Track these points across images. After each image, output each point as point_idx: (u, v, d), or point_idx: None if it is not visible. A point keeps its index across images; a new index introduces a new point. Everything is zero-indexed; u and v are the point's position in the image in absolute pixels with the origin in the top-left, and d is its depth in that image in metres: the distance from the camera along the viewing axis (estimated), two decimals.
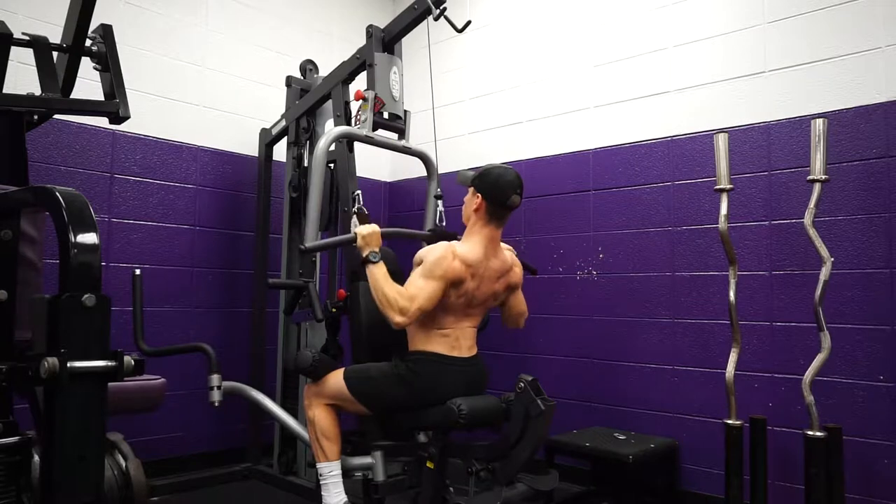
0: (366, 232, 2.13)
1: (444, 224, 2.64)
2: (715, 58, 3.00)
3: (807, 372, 2.40)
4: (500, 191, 2.13)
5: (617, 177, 3.29)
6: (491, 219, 2.17)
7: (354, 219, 2.53)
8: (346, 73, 2.84)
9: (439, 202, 2.68)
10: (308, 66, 3.52)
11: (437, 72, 3.12)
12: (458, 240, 2.29)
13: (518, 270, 2.34)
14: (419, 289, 2.05)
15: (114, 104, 1.98)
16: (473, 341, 2.24)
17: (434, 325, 2.15)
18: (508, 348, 3.63)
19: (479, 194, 2.17)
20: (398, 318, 2.02)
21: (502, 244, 2.30)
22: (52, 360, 0.97)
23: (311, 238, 2.57)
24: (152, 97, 3.28)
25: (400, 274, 2.27)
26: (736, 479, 2.50)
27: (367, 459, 2.27)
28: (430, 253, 2.11)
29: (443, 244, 2.13)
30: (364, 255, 2.10)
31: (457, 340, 2.17)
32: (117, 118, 1.99)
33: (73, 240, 1.02)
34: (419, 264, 2.13)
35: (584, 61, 3.46)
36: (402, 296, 2.03)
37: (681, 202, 3.07)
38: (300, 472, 3.05)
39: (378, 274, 2.06)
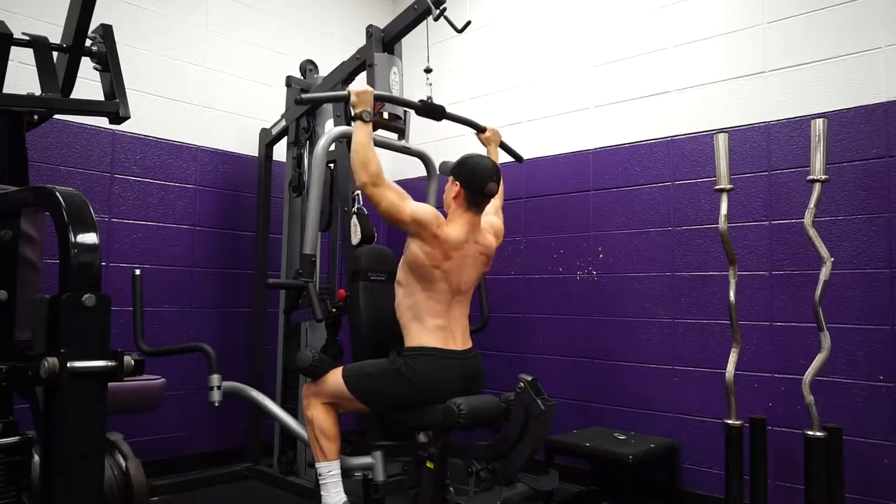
0: (359, 89, 2.22)
1: (432, 98, 2.62)
2: (715, 58, 3.00)
3: (807, 372, 2.40)
4: (477, 179, 2.20)
5: (617, 177, 3.29)
6: (469, 205, 2.23)
7: (354, 219, 2.53)
8: (346, 73, 2.84)
9: (429, 75, 2.66)
10: (308, 66, 3.52)
11: (437, 72, 3.11)
12: (446, 114, 2.50)
13: (495, 241, 2.40)
14: (394, 191, 2.14)
15: (114, 104, 1.98)
16: (467, 333, 2.26)
17: (427, 316, 2.16)
18: (508, 348, 3.63)
19: (457, 182, 2.23)
20: (364, 178, 2.12)
21: (489, 128, 2.65)
22: (52, 360, 0.97)
23: (311, 240, 2.57)
24: (152, 97, 3.28)
25: (394, 274, 2.28)
26: (736, 479, 2.50)
27: (367, 459, 2.27)
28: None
29: (438, 213, 2.19)
30: (357, 111, 2.18)
31: (451, 333, 2.18)
32: (117, 118, 1.99)
33: (73, 240, 1.02)
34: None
35: (584, 61, 3.46)
36: (379, 174, 2.13)
37: (681, 202, 3.07)
38: (300, 472, 3.05)
39: (366, 133, 2.16)
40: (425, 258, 2.13)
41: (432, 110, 2.50)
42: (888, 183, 2.54)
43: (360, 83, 2.26)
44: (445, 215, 2.27)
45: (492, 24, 3.89)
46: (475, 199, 2.22)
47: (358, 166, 2.13)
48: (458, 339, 2.20)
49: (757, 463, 2.49)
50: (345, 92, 2.25)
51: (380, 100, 2.34)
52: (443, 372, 2.11)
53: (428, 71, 2.64)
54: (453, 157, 2.70)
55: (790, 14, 2.79)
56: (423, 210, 2.15)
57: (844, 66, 2.66)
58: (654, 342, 3.11)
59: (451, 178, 2.27)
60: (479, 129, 2.74)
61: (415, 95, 3.54)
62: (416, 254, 2.14)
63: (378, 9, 4.36)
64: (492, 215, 2.46)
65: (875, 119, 2.58)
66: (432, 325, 2.16)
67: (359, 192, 2.58)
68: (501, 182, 2.34)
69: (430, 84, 2.65)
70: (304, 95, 2.30)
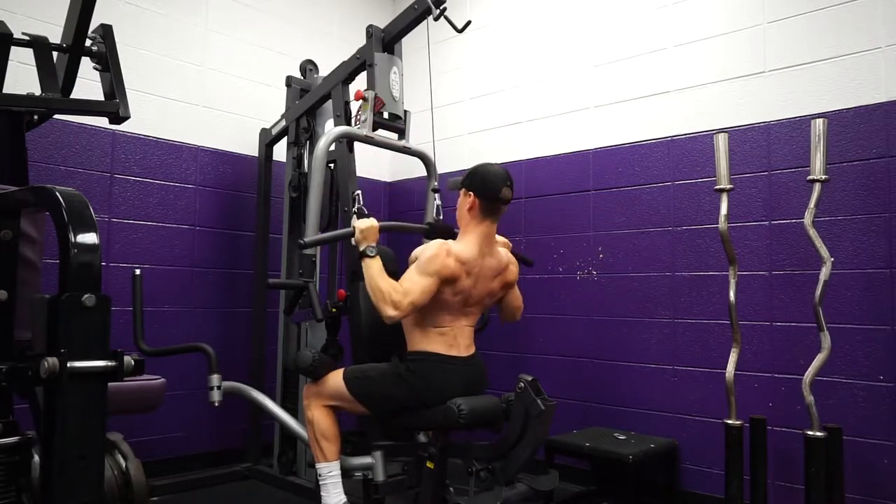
0: (364, 226, 2.16)
1: (441, 217, 2.62)
2: (715, 58, 3.00)
3: (807, 372, 2.40)
4: (492, 185, 2.16)
5: (617, 177, 3.29)
6: (486, 215, 2.19)
7: (354, 218, 2.53)
8: (346, 73, 2.84)
9: (436, 195, 2.68)
10: (308, 66, 3.53)
11: (437, 72, 3.10)
12: (455, 233, 2.31)
13: (514, 268, 2.35)
14: (413, 283, 2.06)
15: (114, 104, 1.98)
16: (471, 340, 2.25)
17: (432, 323, 2.16)
18: (508, 348, 3.63)
19: (470, 193, 2.19)
20: (391, 312, 2.03)
21: (498, 237, 2.32)
22: (52, 360, 0.97)
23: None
24: (152, 97, 3.28)
25: (398, 274, 2.27)
26: (736, 479, 2.49)
27: (367, 459, 2.27)
28: (425, 251, 2.12)
29: (437, 242, 2.14)
30: (361, 248, 2.13)
31: (455, 339, 2.17)
32: (117, 118, 1.99)
33: (73, 240, 1.02)
34: (414, 262, 2.15)
35: (584, 61, 3.46)
36: (396, 290, 2.04)
37: (681, 202, 3.07)
38: (300, 472, 3.05)
39: (374, 268, 2.08)
40: (451, 293, 2.12)
41: (441, 231, 2.42)
42: (888, 183, 2.54)
43: (364, 220, 2.19)
44: (457, 229, 2.26)
45: (492, 24, 3.89)
46: (491, 207, 2.18)
47: (379, 303, 2.04)
48: (461, 345, 2.19)
49: (757, 463, 2.49)
50: (349, 229, 2.21)
51: (385, 230, 2.27)
52: (445, 377, 2.11)
53: (435, 191, 2.64)
54: (452, 157, 2.71)
55: (790, 14, 2.79)
56: (434, 262, 2.07)
57: (844, 66, 2.65)
58: (654, 342, 3.11)
59: (462, 191, 2.22)
60: None
61: (415, 97, 3.55)
62: (444, 293, 2.11)
63: (378, 9, 4.36)
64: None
65: (875, 119, 2.57)
66: (436, 331, 2.16)
67: (359, 192, 2.58)
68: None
69: (438, 204, 2.64)
70: (307, 240, 2.26)
